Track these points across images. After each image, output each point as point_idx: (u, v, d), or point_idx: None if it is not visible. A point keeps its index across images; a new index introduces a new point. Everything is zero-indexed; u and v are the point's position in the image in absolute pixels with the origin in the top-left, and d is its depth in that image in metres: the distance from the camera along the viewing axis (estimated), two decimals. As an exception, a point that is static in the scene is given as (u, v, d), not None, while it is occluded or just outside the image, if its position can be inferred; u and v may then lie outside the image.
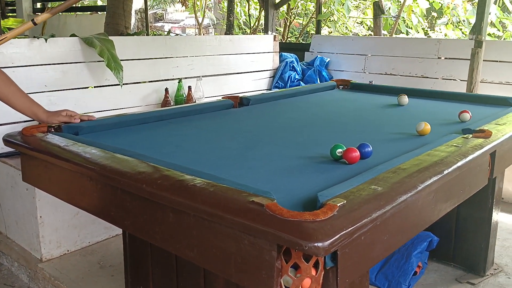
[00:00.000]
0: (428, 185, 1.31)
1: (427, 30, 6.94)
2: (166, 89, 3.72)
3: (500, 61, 3.92)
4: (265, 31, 4.82)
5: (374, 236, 1.13)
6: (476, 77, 3.62)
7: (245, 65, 4.48)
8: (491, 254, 2.55)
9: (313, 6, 7.01)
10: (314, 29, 7.49)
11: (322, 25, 6.59)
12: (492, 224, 2.45)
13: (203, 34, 9.47)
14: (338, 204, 1.09)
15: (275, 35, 4.74)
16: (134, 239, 1.97)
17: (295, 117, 2.37)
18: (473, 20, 5.67)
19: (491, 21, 5.55)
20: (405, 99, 2.61)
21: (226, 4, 8.77)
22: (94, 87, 3.30)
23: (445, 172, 1.40)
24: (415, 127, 1.95)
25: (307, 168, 1.53)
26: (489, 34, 6.10)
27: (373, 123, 2.24)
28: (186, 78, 3.92)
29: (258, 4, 7.12)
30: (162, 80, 3.80)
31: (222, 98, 2.59)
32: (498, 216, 2.51)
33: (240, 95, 2.58)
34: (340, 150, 1.57)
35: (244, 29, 7.57)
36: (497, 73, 3.92)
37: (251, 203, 1.09)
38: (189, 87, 3.85)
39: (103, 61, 3.09)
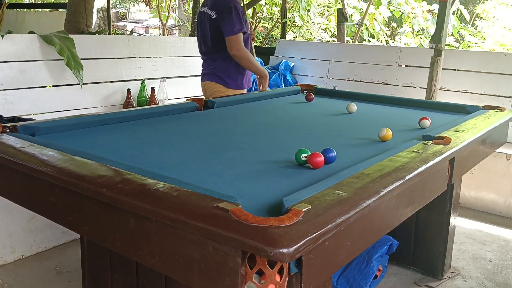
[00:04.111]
0: (391, 190, 1.33)
1: (387, 40, 7.11)
2: (128, 90, 3.65)
3: (458, 70, 4.06)
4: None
5: (338, 241, 1.13)
6: (435, 85, 3.73)
7: (210, 68, 4.44)
8: (449, 257, 2.63)
9: (278, 11, 7.05)
10: (279, 33, 7.54)
11: (287, 30, 6.64)
12: (450, 228, 2.52)
13: (167, 35, 9.36)
14: (303, 210, 1.08)
15: (240, 39, 4.73)
16: (92, 244, 1.90)
17: (260, 121, 2.36)
18: (432, 29, 5.86)
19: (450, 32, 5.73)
20: (353, 107, 2.61)
21: (191, 5, 8.71)
22: (53, 86, 3.19)
23: (407, 177, 1.42)
24: (377, 133, 1.98)
25: (272, 173, 1.52)
26: (447, 45, 6.31)
27: (337, 128, 2.26)
28: (149, 79, 3.86)
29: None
30: (124, 81, 3.72)
31: (186, 100, 2.56)
32: (455, 220, 2.58)
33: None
34: (305, 155, 1.57)
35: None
36: (455, 81, 4.06)
37: (216, 208, 1.07)
38: (152, 89, 3.78)
39: (62, 59, 3.00)
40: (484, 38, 6.17)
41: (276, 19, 6.77)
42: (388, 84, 4.43)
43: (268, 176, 1.50)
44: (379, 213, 1.33)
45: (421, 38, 6.15)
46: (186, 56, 4.20)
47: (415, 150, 1.67)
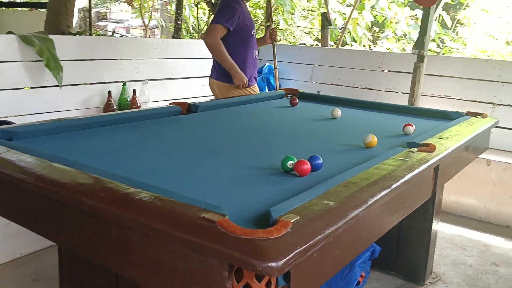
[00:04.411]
0: (378, 199, 1.32)
1: (370, 44, 7.16)
2: (109, 92, 3.58)
3: (440, 76, 4.10)
4: (214, 36, 4.76)
5: (327, 252, 1.12)
6: (418, 91, 3.76)
7: (193, 70, 4.40)
8: (430, 263, 2.63)
9: (262, 14, 7.04)
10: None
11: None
12: (432, 234, 2.52)
13: (149, 36, 9.26)
14: (292, 221, 1.06)
15: (223, 41, 4.70)
16: (71, 250, 1.85)
17: (245, 126, 2.34)
18: (414, 35, 5.93)
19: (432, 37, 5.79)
20: (338, 112, 2.61)
21: (174, 6, 8.64)
22: (31, 88, 3.11)
23: (393, 186, 1.42)
24: (362, 139, 1.97)
25: (258, 180, 1.50)
26: (429, 50, 6.39)
27: (321, 134, 2.25)
28: (130, 81, 3.79)
29: (208, 8, 7.05)
30: (105, 83, 3.64)
31: (169, 104, 2.52)
32: (437, 226, 2.59)
33: (188, 101, 2.52)
34: (291, 162, 1.55)
35: (192, 33, 7.47)
36: (437, 87, 4.09)
37: (202, 219, 1.04)
38: (134, 91, 3.72)
39: (42, 61, 2.92)
40: (465, 44, 6.26)
41: (260, 22, 6.75)
42: (371, 89, 4.45)
43: (253, 183, 1.47)
44: (366, 222, 1.32)
45: (403, 43, 6.21)
46: (168, 58, 4.14)
47: (401, 158, 1.67)
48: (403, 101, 4.13)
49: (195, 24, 7.57)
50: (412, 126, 2.26)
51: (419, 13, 5.84)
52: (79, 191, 1.20)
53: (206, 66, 4.55)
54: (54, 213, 1.29)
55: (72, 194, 1.20)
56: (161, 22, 9.71)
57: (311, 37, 7.27)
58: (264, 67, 4.87)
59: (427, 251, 2.54)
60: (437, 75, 4.10)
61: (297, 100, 2.93)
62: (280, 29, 6.73)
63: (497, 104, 3.90)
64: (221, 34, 3.16)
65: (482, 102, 3.94)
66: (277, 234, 0.99)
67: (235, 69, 3.23)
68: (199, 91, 4.45)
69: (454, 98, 4.06)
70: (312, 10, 6.71)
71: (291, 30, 6.99)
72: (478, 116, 2.63)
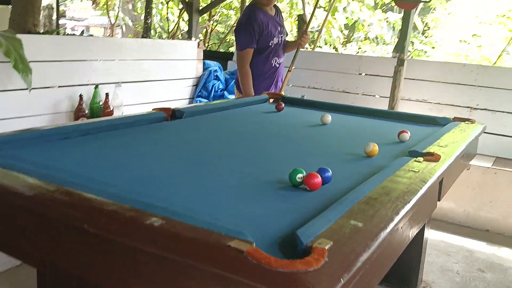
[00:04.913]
0: (403, 216, 1.23)
1: (336, 48, 7.16)
2: (81, 96, 3.38)
3: (417, 79, 4.10)
4: (189, 37, 4.61)
5: (363, 280, 1.01)
6: (398, 94, 3.74)
7: (167, 72, 4.24)
8: (421, 272, 2.60)
9: (234, 14, 6.92)
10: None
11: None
12: (424, 243, 2.48)
13: (111, 35, 8.94)
14: (326, 247, 0.95)
15: (199, 42, 4.56)
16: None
17: (236, 132, 2.21)
18: (386, 37, 5.97)
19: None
20: (328, 118, 2.53)
21: (139, 5, 8.39)
22: (-4, 91, 2.88)
23: (414, 201, 1.34)
24: (363, 148, 1.89)
25: (267, 195, 1.39)
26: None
27: (317, 141, 2.16)
28: (103, 84, 3.60)
29: (177, 7, 6.87)
30: (76, 86, 3.44)
31: (152, 110, 2.36)
32: (429, 233, 2.56)
33: (165, 104, 2.38)
34: (300, 175, 1.45)
35: (160, 33, 7.26)
36: (415, 91, 4.10)
37: (228, 248, 0.92)
38: (107, 94, 3.53)
39: (9, 62, 2.70)
40: (433, 47, 6.36)
41: (233, 23, 6.63)
42: (349, 93, 4.42)
43: (263, 198, 1.36)
44: (393, 241, 1.23)
45: (377, 45, 6.24)
46: (142, 59, 3.97)
47: (411, 169, 1.60)
48: (381, 105, 4.11)
49: (164, 23, 7.36)
50: (407, 133, 2.21)
51: (391, 15, 5.89)
52: (77, 217, 1.05)
53: (181, 68, 4.41)
54: (48, 240, 1.13)
55: (70, 221, 1.05)
56: (125, 21, 9.41)
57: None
58: (240, 69, 4.75)
59: (419, 260, 2.49)
60: (414, 79, 4.11)
61: (283, 105, 2.83)
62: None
63: (474, 108, 3.94)
64: (251, 56, 3.32)
65: (459, 106, 3.98)
66: (316, 265, 0.89)
67: (249, 90, 3.37)
68: (175, 94, 4.30)
69: (431, 102, 4.09)
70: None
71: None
72: (467, 122, 2.61)
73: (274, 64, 3.46)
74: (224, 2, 5.72)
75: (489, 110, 3.86)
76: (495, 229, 3.59)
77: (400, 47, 3.65)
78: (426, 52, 6.19)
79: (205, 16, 6.41)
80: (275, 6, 3.53)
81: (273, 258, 0.89)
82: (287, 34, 3.64)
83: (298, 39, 3.59)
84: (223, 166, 1.62)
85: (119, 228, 1.01)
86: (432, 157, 1.77)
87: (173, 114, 2.38)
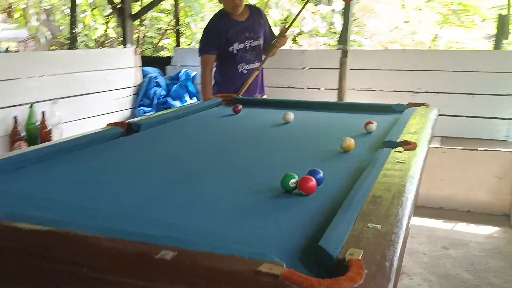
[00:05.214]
0: (411, 211, 1.20)
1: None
2: (15, 118, 3.10)
3: (360, 69, 4.17)
4: (124, 44, 4.39)
5: (395, 285, 0.96)
6: (345, 85, 3.78)
7: (105, 83, 4.01)
8: (396, 257, 2.62)
9: (166, 16, 6.71)
10: (164, 42, 7.20)
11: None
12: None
13: (24, 49, 8.36)
14: (360, 257, 0.89)
15: (135, 49, 4.35)
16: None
17: (203, 141, 2.10)
18: (321, 30, 6.05)
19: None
20: (290, 116, 2.48)
21: (57, 14, 7.93)
22: None
23: (413, 192, 1.32)
24: (339, 143, 1.86)
25: (264, 205, 1.30)
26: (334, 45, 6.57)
27: (288, 141, 2.10)
28: (38, 102, 3.33)
29: (101, 15, 6.56)
30: (8, 107, 3.15)
31: (107, 125, 2.19)
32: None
33: (112, 118, 2.22)
34: (293, 180, 1.38)
35: (85, 42, 6.89)
36: (358, 80, 4.17)
37: (259, 275, 0.83)
38: (43, 113, 3.27)
39: None
40: (362, 35, 6.53)
41: (165, 27, 6.43)
42: (294, 88, 4.42)
43: (262, 209, 1.27)
44: (406, 237, 1.19)
45: (311, 37, 6.31)
46: (77, 71, 3.72)
47: (397, 160, 1.58)
48: (327, 97, 4.15)
49: (88, 33, 7.00)
50: (373, 123, 2.21)
51: (322, 8, 5.98)
52: (73, 261, 0.91)
53: (119, 77, 4.18)
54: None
55: (66, 267, 0.91)
56: (44, 33, 8.84)
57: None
58: (180, 74, 4.60)
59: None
60: (357, 69, 4.18)
61: (240, 106, 2.74)
62: (187, 34, 6.46)
63: (416, 92, 4.07)
64: (211, 62, 3.38)
65: (402, 91, 4.10)
66: (360, 279, 0.82)
67: (207, 93, 3.41)
68: (116, 105, 4.07)
69: (375, 90, 4.17)
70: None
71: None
72: (422, 107, 2.67)
73: (241, 70, 3.39)
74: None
75: (430, 92, 4.01)
76: (448, 206, 3.74)
77: (343, 39, 3.69)
78: (359, 41, 6.35)
79: (135, 21, 6.16)
80: (253, 9, 3.43)
81: (314, 279, 0.81)
82: (269, 38, 3.52)
83: (275, 41, 3.48)
84: (208, 182, 1.51)
85: (126, 266, 0.89)
86: (410, 146, 1.77)
87: (130, 128, 2.23)
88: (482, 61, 3.88)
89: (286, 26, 3.55)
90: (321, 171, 1.45)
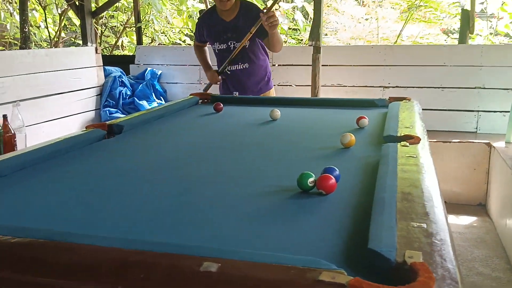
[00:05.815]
0: (443, 206, 1.16)
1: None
2: (-26, 123, 2.85)
3: (331, 65, 4.16)
4: (84, 42, 4.15)
5: None
6: (318, 82, 3.75)
7: (67, 83, 3.80)
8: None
9: (126, 16, 6.45)
10: (122, 40, 6.95)
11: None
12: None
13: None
14: (421, 260, 0.83)
15: (96, 47, 4.14)
16: None
17: (192, 143, 1.98)
18: (285, 27, 6.02)
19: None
20: (277, 113, 2.40)
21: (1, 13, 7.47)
22: None
23: (437, 184, 1.28)
24: (340, 139, 1.80)
25: (290, 210, 1.21)
26: (300, 40, 6.57)
27: (286, 139, 2.02)
28: (-3, 105, 3.09)
29: (51, 15, 6.23)
30: (-34, 111, 2.90)
31: (86, 128, 2.03)
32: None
33: (78, 119, 2.06)
34: (311, 179, 1.30)
35: (37, 41, 6.52)
36: (329, 77, 4.16)
37: (321, 284, 0.75)
38: (4, 117, 3.04)
39: None
40: (327, 34, 6.56)
41: (122, 25, 6.17)
42: (265, 85, 4.33)
43: (283, 213, 1.19)
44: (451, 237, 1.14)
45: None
46: (38, 72, 3.48)
47: (408, 155, 1.54)
48: (299, 93, 4.12)
49: (37, 32, 6.63)
50: (366, 118, 2.18)
51: (282, 5, 5.95)
52: (102, 274, 0.79)
53: (81, 76, 3.97)
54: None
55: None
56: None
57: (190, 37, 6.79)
58: (146, 72, 4.43)
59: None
60: (328, 65, 4.17)
61: (222, 105, 2.65)
62: (150, 31, 6.24)
63: (386, 87, 4.11)
64: (201, 47, 3.51)
65: (373, 86, 4.12)
66: (433, 284, 0.75)
67: (204, 69, 3.52)
68: (80, 106, 3.86)
69: (346, 86, 4.18)
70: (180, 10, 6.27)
71: (164, 30, 6.49)
72: (405, 101, 2.67)
73: (225, 71, 3.26)
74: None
75: (400, 87, 4.05)
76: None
77: (315, 35, 3.66)
78: (326, 34, 6.35)
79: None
80: (244, 6, 3.15)
81: (386, 287, 0.73)
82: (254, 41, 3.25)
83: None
84: (216, 188, 1.39)
85: (164, 280, 0.78)
86: (414, 140, 1.74)
87: (111, 130, 2.08)
88: (449, 55, 3.97)
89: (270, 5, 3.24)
90: (337, 169, 1.38)
